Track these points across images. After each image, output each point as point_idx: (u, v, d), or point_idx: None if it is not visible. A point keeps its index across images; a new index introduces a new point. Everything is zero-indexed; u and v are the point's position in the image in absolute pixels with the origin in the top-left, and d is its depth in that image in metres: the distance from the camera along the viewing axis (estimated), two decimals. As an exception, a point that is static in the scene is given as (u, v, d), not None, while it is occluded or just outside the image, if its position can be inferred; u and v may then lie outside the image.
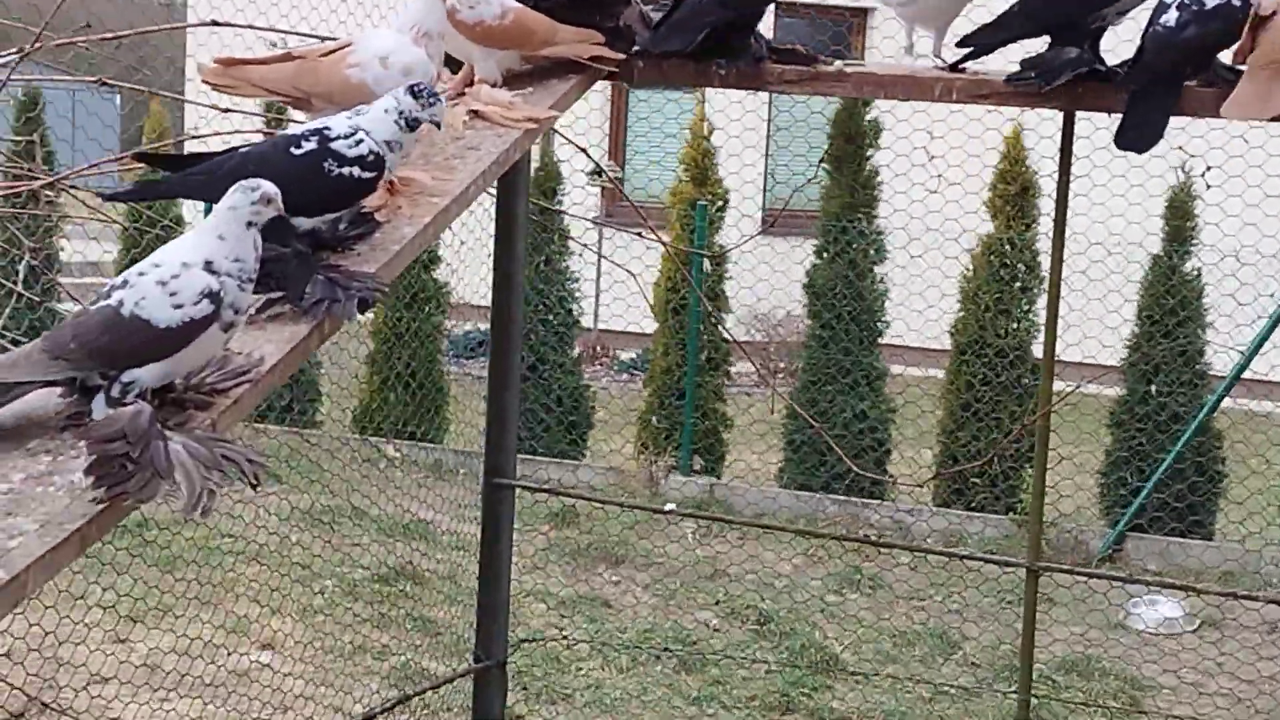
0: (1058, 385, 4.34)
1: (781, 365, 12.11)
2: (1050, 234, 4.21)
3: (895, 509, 9.36)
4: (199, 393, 2.24)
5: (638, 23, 3.50)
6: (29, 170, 3.43)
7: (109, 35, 3.02)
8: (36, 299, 3.59)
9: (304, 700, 6.01)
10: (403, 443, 9.89)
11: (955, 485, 9.36)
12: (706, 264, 9.65)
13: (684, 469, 9.79)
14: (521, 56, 3.30)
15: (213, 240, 2.18)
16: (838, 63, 3.62)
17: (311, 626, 6.77)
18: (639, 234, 4.33)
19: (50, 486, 2.07)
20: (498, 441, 4.22)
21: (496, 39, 3.20)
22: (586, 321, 11.67)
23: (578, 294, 10.50)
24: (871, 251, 9.72)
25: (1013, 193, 9.43)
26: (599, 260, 11.01)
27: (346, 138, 2.56)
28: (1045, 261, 9.14)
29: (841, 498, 9.38)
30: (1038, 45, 3.55)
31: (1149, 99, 3.29)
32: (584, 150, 4.27)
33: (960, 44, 3.54)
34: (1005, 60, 3.61)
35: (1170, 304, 9.14)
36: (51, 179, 3.26)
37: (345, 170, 2.55)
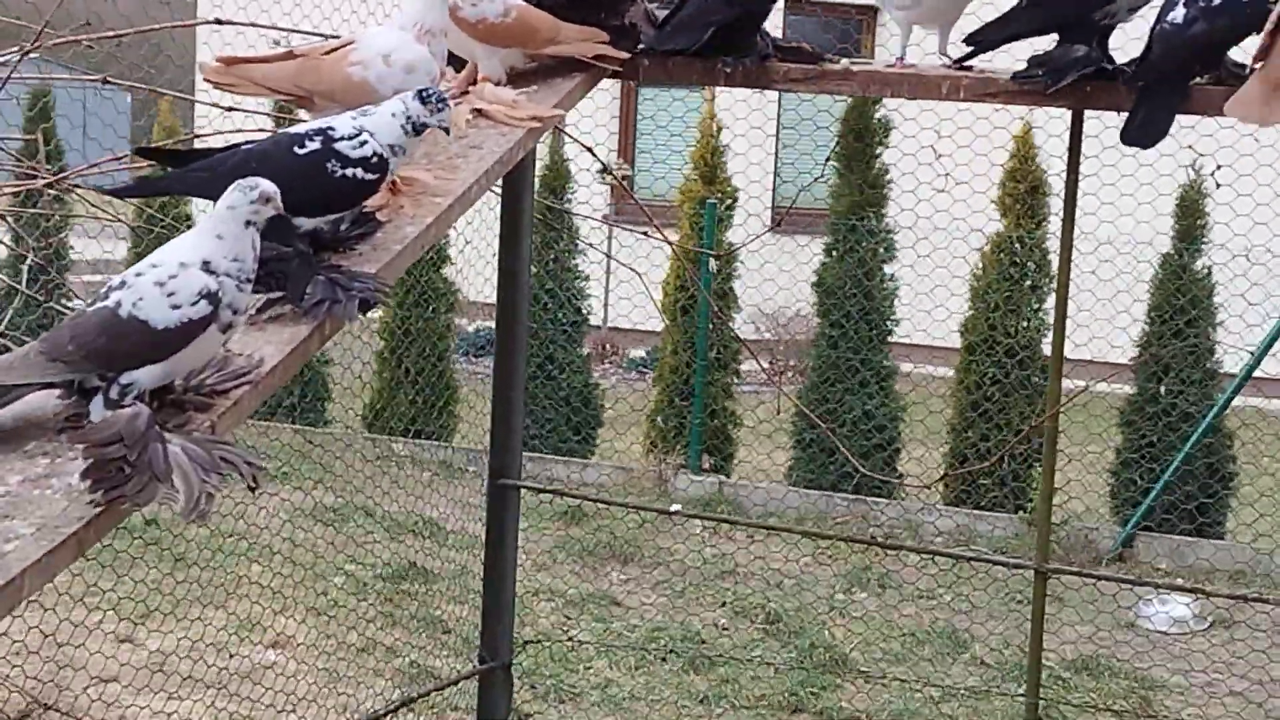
0: (1067, 384, 4.32)
1: (791, 364, 12.09)
2: (1060, 232, 4.19)
3: (905, 507, 9.34)
4: (198, 394, 2.23)
5: (643, 21, 3.48)
6: (32, 169, 3.41)
7: (109, 34, 3.01)
8: (39, 298, 3.58)
9: (312, 699, 6.00)
10: (411, 441, 9.89)
11: (965, 484, 9.33)
12: (713, 263, 9.62)
13: (693, 467, 9.77)
14: (525, 54, 3.28)
15: (211, 240, 2.17)
16: (844, 61, 3.61)
17: (319, 625, 6.76)
18: (645, 234, 4.31)
19: (47, 489, 2.06)
20: (503, 442, 4.21)
21: (499, 37, 3.19)
22: (595, 320, 11.67)
23: (587, 292, 10.49)
24: (881, 250, 9.70)
25: (1022, 191, 9.40)
26: (608, 259, 10.99)
27: (351, 139, 2.55)
28: (1055, 260, 9.12)
29: (851, 496, 9.36)
30: (1045, 44, 3.53)
31: (1156, 96, 3.27)
32: (590, 149, 4.24)
33: (966, 41, 3.52)
34: (1013, 59, 3.59)
35: (1180, 303, 9.10)
36: (53, 178, 3.25)
37: (348, 171, 2.53)
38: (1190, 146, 7.90)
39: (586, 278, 10.48)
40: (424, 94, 2.56)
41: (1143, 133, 3.26)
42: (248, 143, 2.63)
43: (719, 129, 10.22)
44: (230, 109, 3.26)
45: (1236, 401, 8.96)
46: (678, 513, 6.81)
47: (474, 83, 3.22)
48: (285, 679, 6.03)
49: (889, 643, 7.37)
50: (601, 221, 11.53)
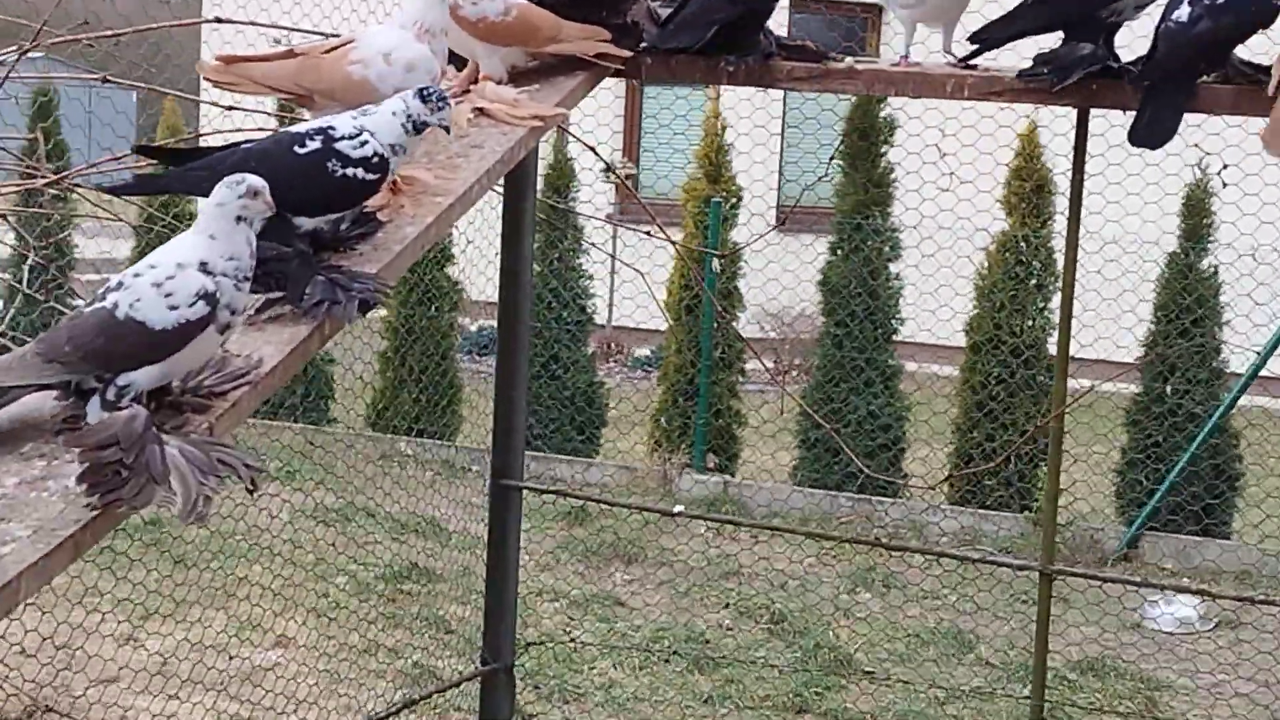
0: (1073, 384, 4.30)
1: (795, 363, 12.07)
2: (1065, 231, 4.17)
3: (910, 507, 9.32)
4: (196, 396, 2.22)
5: (645, 19, 3.46)
6: (32, 168, 3.40)
7: (108, 33, 3.00)
8: (39, 297, 3.57)
9: (315, 699, 5.98)
10: (415, 440, 9.88)
11: (970, 484, 9.30)
12: (716, 263, 9.60)
13: (698, 467, 9.75)
14: (527, 53, 3.27)
15: (206, 240, 2.15)
16: (848, 59, 3.59)
17: (321, 626, 6.75)
18: (648, 233, 4.29)
19: (44, 492, 2.04)
20: (505, 443, 4.19)
21: (500, 35, 3.17)
22: (600, 318, 11.64)
23: (591, 291, 10.47)
24: (886, 249, 9.67)
25: (1028, 190, 9.37)
26: (612, 259, 10.98)
27: (351, 138, 2.53)
28: (1060, 259, 9.09)
29: (856, 496, 9.34)
30: (1050, 42, 3.51)
31: (1162, 95, 3.25)
32: (592, 149, 4.22)
33: (971, 39, 3.50)
34: (1019, 56, 3.57)
35: (1186, 302, 9.07)
36: (54, 178, 3.23)
37: (349, 171, 2.52)
38: (1197, 145, 7.88)
39: (591, 277, 10.46)
40: (424, 92, 2.55)
41: (1150, 133, 3.24)
42: (248, 141, 2.62)
43: (724, 128, 10.20)
44: (230, 108, 3.25)
45: (1243, 401, 8.93)
46: (680, 514, 6.78)
47: (475, 81, 3.20)
48: (287, 680, 6.01)
49: (894, 643, 7.35)
50: (605, 221, 11.51)
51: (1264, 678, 7.18)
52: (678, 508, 7.68)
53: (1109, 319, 9.65)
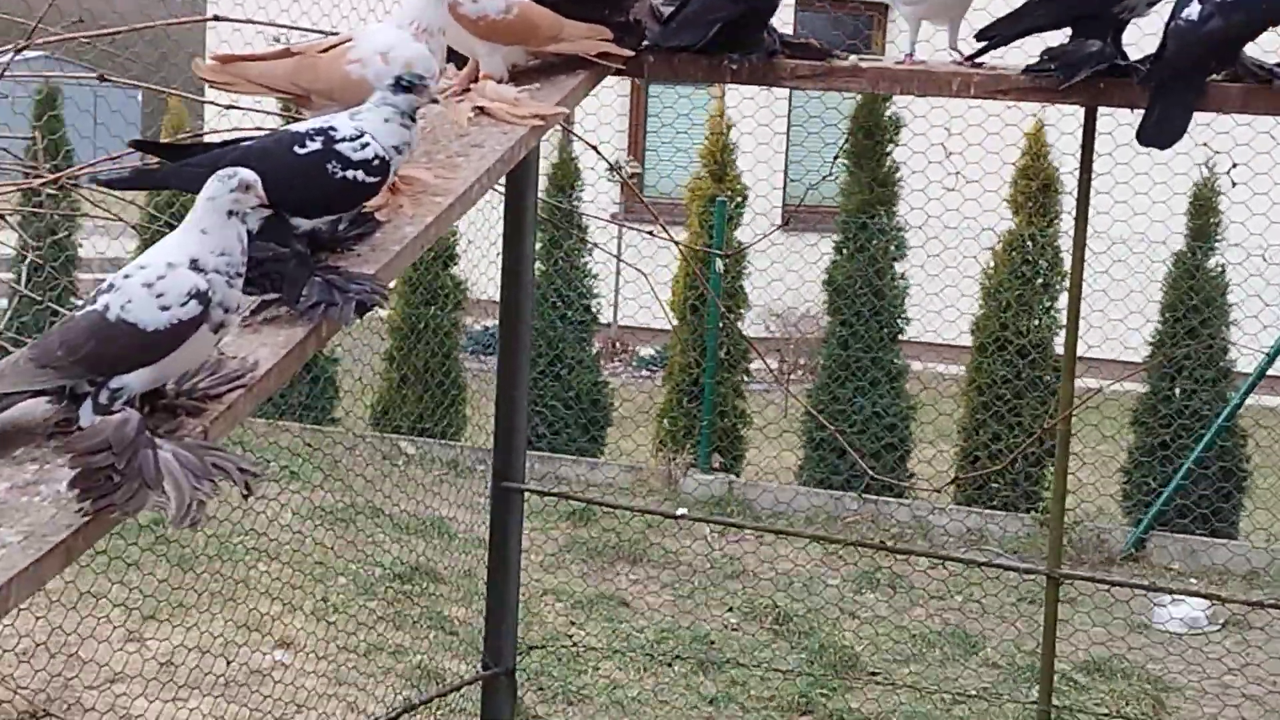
0: (1080, 384, 4.26)
1: (801, 362, 12.04)
2: (1072, 231, 4.13)
3: (916, 507, 9.28)
4: (191, 398, 2.19)
5: (647, 17, 3.43)
6: (31, 168, 3.38)
7: (106, 32, 2.98)
8: (36, 298, 3.54)
9: (320, 699, 5.97)
10: (420, 440, 9.86)
11: (976, 484, 9.26)
12: (719, 263, 9.57)
13: (703, 467, 9.73)
14: (527, 52, 3.23)
15: (196, 236, 2.12)
16: (852, 57, 3.55)
17: (328, 625, 6.73)
18: (650, 233, 4.25)
19: (36, 496, 2.01)
20: (506, 443, 4.17)
21: (500, 34, 3.14)
22: (605, 317, 11.62)
23: (595, 290, 10.44)
24: (892, 248, 9.64)
25: (1034, 189, 9.33)
26: (617, 258, 10.95)
27: (352, 140, 2.51)
28: (1067, 259, 9.06)
29: (862, 496, 9.31)
30: (1056, 40, 3.47)
31: (1171, 94, 3.21)
32: (594, 148, 4.19)
33: (979, 36, 3.47)
34: (1025, 54, 3.53)
35: (1194, 301, 9.03)
36: (51, 177, 3.21)
37: (349, 173, 2.50)
38: (1206, 144, 7.84)
39: (595, 276, 10.43)
40: (400, 81, 2.53)
41: (1159, 131, 3.20)
42: (248, 139, 2.59)
43: (728, 127, 10.17)
44: (229, 107, 3.22)
45: (1250, 401, 8.90)
46: (683, 516, 6.75)
47: (475, 80, 3.17)
48: (291, 681, 6.00)
49: (899, 644, 7.32)
50: (609, 221, 11.48)
51: (1273, 679, 7.14)
52: (680, 510, 7.66)
53: (1116, 319, 9.61)
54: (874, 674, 6.90)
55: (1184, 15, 3.18)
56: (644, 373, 12.99)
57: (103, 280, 2.15)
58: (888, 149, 9.67)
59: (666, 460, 9.75)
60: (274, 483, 8.21)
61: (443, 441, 9.87)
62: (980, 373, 9.38)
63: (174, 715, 5.57)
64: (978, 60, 3.52)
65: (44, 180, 3.22)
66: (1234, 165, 8.42)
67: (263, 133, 2.82)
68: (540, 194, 4.86)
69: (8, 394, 2.07)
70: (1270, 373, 8.58)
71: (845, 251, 9.68)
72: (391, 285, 2.71)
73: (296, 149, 2.50)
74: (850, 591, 8.05)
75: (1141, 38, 3.46)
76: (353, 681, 6.26)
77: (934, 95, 3.57)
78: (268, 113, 4.07)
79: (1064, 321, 4.67)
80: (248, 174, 2.17)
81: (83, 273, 11.15)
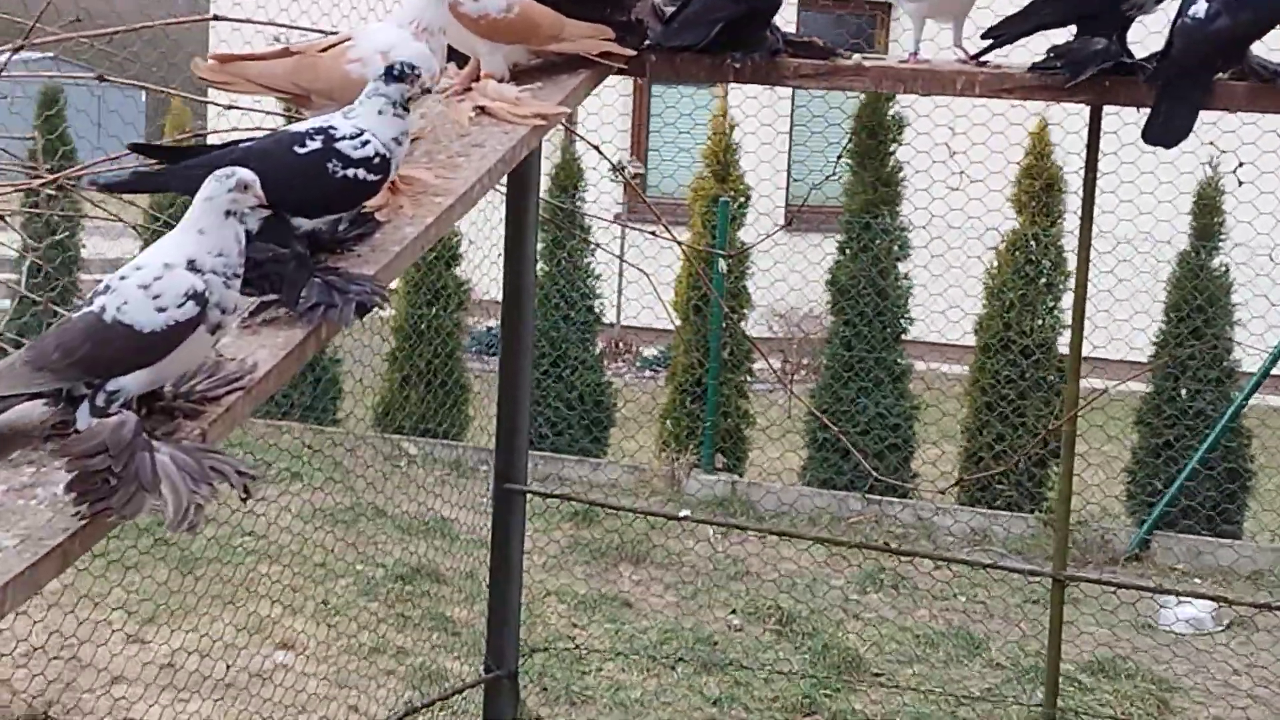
0: (1084, 384, 4.24)
1: (804, 363, 12.02)
2: (1076, 230, 4.11)
3: (920, 507, 9.26)
4: (188, 401, 2.17)
5: (650, 16, 3.42)
6: (31, 168, 3.36)
7: (104, 31, 2.96)
8: (36, 299, 3.53)
9: (322, 701, 5.95)
10: (423, 440, 9.84)
11: (981, 484, 9.24)
12: (722, 264, 9.55)
13: (706, 467, 9.71)
14: (529, 51, 3.22)
15: (193, 236, 2.10)
16: (856, 56, 3.53)
17: (330, 626, 6.72)
18: (653, 233, 4.24)
19: (32, 500, 2.00)
20: (508, 444, 4.15)
21: (501, 33, 3.12)
22: (608, 318, 11.60)
23: (598, 290, 10.43)
24: (895, 248, 9.62)
25: (1038, 188, 9.31)
26: (620, 259, 10.94)
27: (352, 138, 2.50)
28: (1071, 258, 9.04)
29: (866, 496, 9.29)
30: (1062, 39, 3.45)
31: (1178, 93, 3.19)
32: (596, 148, 4.17)
33: (985, 35, 3.45)
34: (1030, 53, 3.51)
35: (1198, 301, 9.01)
36: (52, 178, 3.19)
37: (350, 172, 2.48)
38: (1211, 143, 7.81)
39: (598, 276, 10.42)
40: (391, 72, 2.52)
41: (1165, 131, 3.18)
42: (248, 139, 2.58)
43: (731, 126, 10.15)
44: (229, 107, 3.20)
45: (1254, 400, 8.87)
46: (685, 518, 6.74)
47: (476, 79, 3.15)
48: (292, 683, 5.98)
49: (903, 646, 7.29)
50: (612, 221, 11.46)
51: (1278, 679, 7.12)
52: (684, 511, 7.64)
53: (1120, 319, 9.59)
54: (878, 675, 6.87)
55: (1191, 13, 3.16)
56: (647, 373, 12.97)
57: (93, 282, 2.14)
58: (891, 148, 9.64)
59: (670, 461, 9.73)
60: (275, 484, 8.20)
61: (445, 442, 9.86)
62: (984, 373, 9.36)
63: (175, 718, 5.56)
64: (982, 59, 3.50)
65: (44, 181, 3.21)
66: (1240, 164, 8.40)
67: (263, 133, 2.81)
68: (543, 194, 4.85)
69: (4, 397, 2.05)
70: (1275, 372, 8.55)
71: (848, 251, 9.66)
72: (392, 286, 2.69)
73: (296, 149, 2.49)
74: (854, 592, 8.03)
75: (1147, 36, 3.43)
76: (354, 684, 6.24)
77: (938, 94, 3.55)
78: (268, 113, 4.07)
79: (1068, 321, 4.66)
80: (245, 174, 2.15)
81: (84, 273, 11.14)
